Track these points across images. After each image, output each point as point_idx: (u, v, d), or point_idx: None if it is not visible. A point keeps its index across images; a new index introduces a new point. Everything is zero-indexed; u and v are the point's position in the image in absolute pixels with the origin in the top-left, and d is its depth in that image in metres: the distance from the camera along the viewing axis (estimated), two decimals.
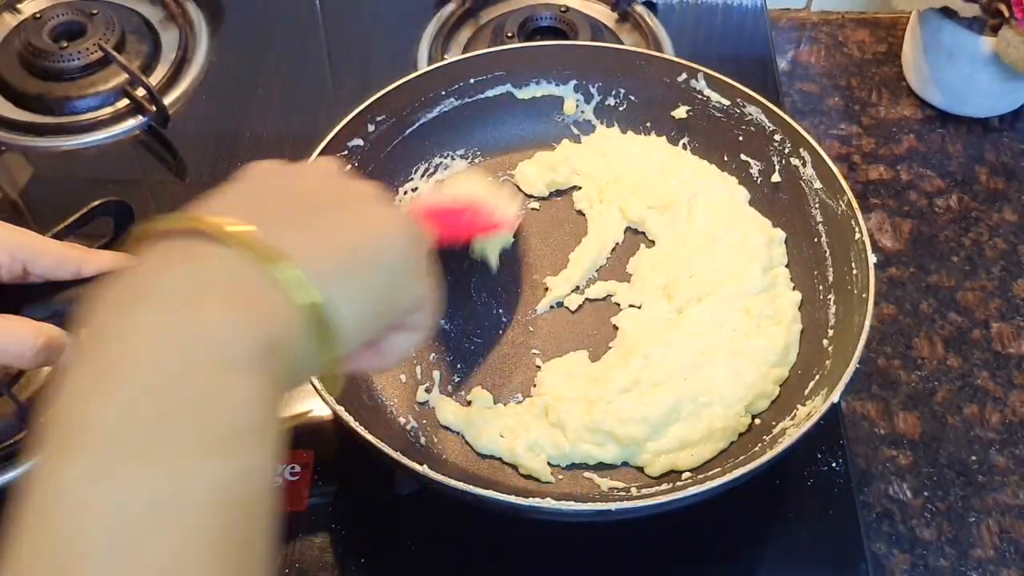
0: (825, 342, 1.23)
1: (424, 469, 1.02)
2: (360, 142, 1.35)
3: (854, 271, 1.21)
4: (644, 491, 1.15)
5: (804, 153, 1.31)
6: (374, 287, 0.75)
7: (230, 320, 0.63)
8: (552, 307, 1.32)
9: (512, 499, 1.03)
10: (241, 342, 0.63)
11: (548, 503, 1.05)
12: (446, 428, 1.22)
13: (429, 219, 1.08)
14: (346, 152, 1.33)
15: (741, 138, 1.39)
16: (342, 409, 1.06)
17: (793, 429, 1.09)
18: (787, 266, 1.33)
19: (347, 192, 0.80)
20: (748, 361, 1.22)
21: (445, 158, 1.45)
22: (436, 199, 1.28)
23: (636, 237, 1.39)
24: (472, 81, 1.44)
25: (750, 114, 1.36)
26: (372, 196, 0.81)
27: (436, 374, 1.26)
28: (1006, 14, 1.59)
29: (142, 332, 0.61)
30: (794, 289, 1.30)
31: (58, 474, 0.56)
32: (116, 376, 0.60)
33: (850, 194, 1.24)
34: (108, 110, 1.64)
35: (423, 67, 1.51)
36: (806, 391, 1.19)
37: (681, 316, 1.27)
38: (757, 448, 1.16)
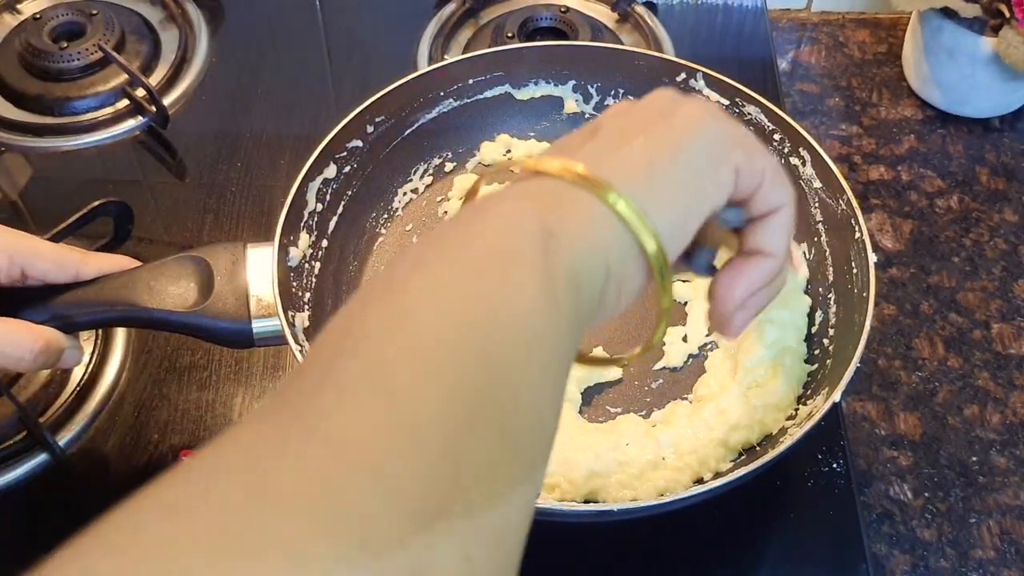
0: (826, 341, 1.23)
1: None
2: (359, 143, 1.35)
3: (854, 271, 1.21)
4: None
5: (804, 152, 1.31)
6: (679, 179, 0.71)
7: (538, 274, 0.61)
8: None
9: None
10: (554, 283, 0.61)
11: (548, 503, 1.05)
12: None
13: None
14: (345, 153, 1.33)
15: None
16: None
17: (794, 429, 1.09)
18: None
19: (662, 108, 0.76)
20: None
21: (445, 159, 1.45)
22: None
23: None
24: (471, 82, 1.44)
25: (749, 113, 1.36)
26: (683, 102, 0.77)
27: None
28: (1007, 14, 1.59)
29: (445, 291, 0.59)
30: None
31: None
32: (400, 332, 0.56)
33: (850, 194, 1.23)
34: (108, 110, 1.64)
35: (423, 67, 1.51)
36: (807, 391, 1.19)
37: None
38: (758, 448, 1.16)
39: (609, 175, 0.68)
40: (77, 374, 1.32)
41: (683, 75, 1.40)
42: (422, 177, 1.43)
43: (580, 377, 1.25)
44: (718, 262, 0.84)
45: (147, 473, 1.27)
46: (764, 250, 0.80)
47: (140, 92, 1.62)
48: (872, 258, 1.18)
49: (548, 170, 0.68)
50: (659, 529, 1.18)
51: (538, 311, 0.60)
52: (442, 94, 1.42)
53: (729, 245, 0.84)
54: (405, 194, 1.42)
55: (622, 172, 0.69)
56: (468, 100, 1.44)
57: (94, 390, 1.32)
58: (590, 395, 1.25)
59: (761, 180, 0.77)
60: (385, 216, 1.40)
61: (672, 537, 1.19)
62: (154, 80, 1.67)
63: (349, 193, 1.35)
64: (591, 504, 1.07)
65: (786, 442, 1.05)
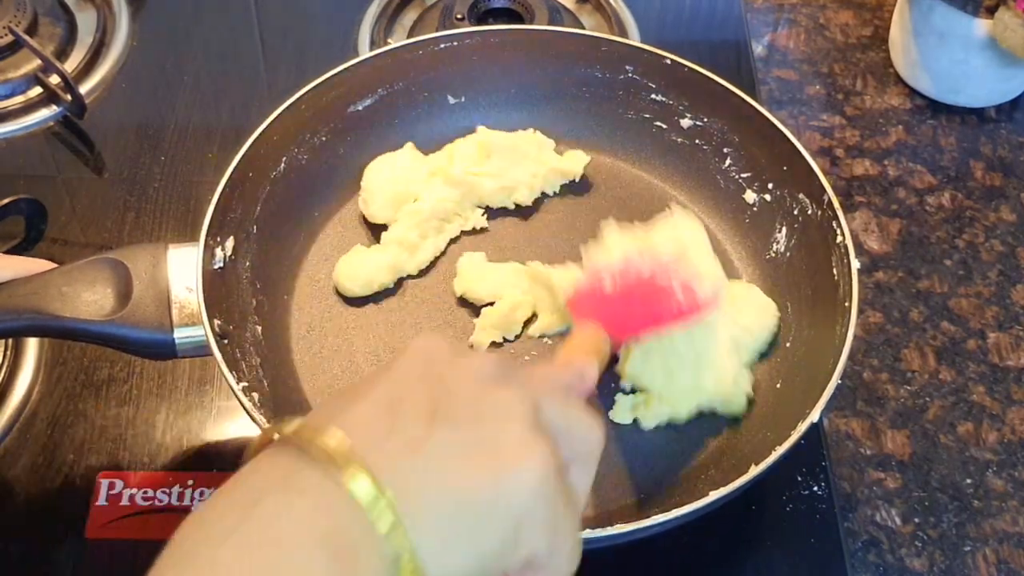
0: (804, 353, 1.22)
1: None
2: (294, 135, 1.34)
3: (835, 276, 1.21)
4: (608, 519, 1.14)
5: (779, 147, 1.31)
6: (484, 541, 0.69)
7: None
8: None
9: None
10: None
11: None
12: None
13: (592, 311, 1.01)
14: (278, 146, 1.32)
15: None
16: None
17: (772, 449, 1.08)
18: None
19: (487, 409, 0.73)
20: None
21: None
22: (596, 276, 1.07)
23: None
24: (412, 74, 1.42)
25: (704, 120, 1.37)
26: (516, 414, 0.73)
27: None
28: None
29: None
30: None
31: None
32: None
33: (831, 192, 1.23)
34: (19, 99, 1.63)
35: (365, 52, 1.50)
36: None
37: None
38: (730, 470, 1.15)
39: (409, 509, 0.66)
40: None
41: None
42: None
43: None
44: None
45: (62, 496, 1.26)
46: None
47: (54, 79, 1.61)
48: (855, 263, 1.18)
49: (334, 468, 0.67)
50: (624, 560, 1.18)
51: None
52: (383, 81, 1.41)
53: None
54: (344, 191, 1.41)
55: (421, 507, 0.67)
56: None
57: (2, 406, 1.30)
58: None
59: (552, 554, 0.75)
60: (323, 214, 1.38)
61: (638, 569, 1.18)
62: (70, 66, 1.65)
63: (283, 189, 1.34)
64: None
65: (762, 463, 1.04)
